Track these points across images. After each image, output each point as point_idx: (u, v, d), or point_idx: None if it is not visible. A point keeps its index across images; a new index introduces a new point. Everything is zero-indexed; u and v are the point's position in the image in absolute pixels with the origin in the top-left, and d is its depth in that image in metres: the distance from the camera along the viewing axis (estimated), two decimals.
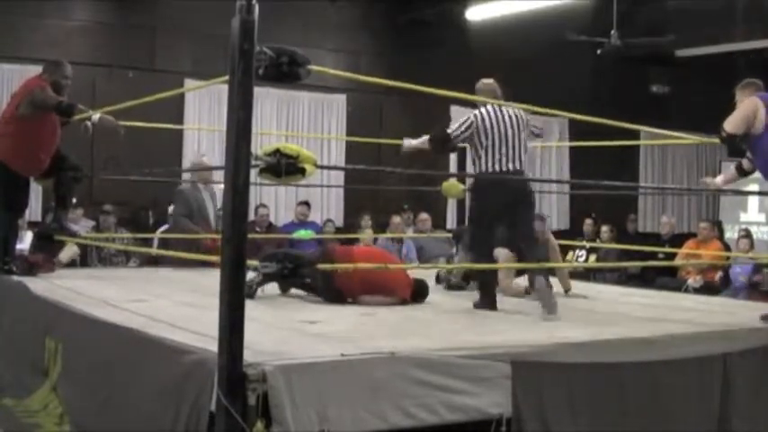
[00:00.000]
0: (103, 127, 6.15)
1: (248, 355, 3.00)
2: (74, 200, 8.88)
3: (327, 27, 11.89)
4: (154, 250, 8.59)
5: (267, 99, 11.25)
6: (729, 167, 5.66)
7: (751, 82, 5.13)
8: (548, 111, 5.13)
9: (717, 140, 5.14)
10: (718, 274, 9.98)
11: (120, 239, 9.13)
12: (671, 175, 14.55)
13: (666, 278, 9.98)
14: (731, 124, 4.94)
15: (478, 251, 5.35)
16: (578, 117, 4.97)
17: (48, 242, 6.56)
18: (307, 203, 10.87)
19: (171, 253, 7.13)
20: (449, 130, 5.30)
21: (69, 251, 7.30)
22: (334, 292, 5.19)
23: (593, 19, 11.34)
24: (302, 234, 9.88)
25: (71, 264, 7.69)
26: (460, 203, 8.92)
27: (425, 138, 5.45)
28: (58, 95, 5.98)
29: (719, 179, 5.68)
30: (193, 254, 6.54)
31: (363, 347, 3.38)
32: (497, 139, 5.13)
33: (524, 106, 4.95)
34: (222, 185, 3.22)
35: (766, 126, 4.89)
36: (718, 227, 11.46)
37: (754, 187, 9.19)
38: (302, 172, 3.66)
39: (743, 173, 5.40)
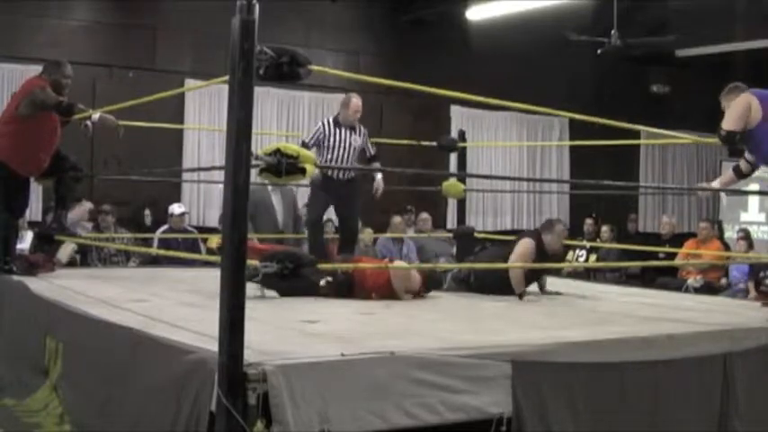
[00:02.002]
0: (104, 126, 6.15)
1: (248, 355, 3.00)
2: (85, 201, 8.91)
3: (328, 27, 11.89)
4: (153, 250, 8.60)
5: (267, 99, 11.25)
6: (728, 169, 5.62)
7: (733, 86, 5.09)
8: (548, 110, 5.13)
9: (716, 140, 5.12)
10: (721, 275, 9.98)
11: (119, 239, 9.13)
12: (671, 175, 14.55)
13: (667, 278, 9.98)
14: (728, 122, 4.92)
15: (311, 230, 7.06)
16: (578, 116, 4.97)
17: (48, 242, 6.56)
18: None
19: (171, 253, 7.13)
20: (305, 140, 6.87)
21: (67, 249, 7.30)
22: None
23: (593, 19, 11.34)
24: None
25: (71, 263, 7.69)
26: (461, 203, 8.92)
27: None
28: (58, 95, 5.98)
29: (716, 183, 5.63)
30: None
31: (363, 347, 3.38)
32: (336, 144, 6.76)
33: (525, 106, 4.95)
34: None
35: (763, 117, 4.86)
36: (718, 227, 11.45)
37: (755, 187, 9.20)
38: (302, 172, 3.66)
39: (741, 175, 5.36)
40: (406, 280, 5.51)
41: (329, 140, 6.78)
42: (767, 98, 4.93)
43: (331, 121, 6.92)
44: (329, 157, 6.74)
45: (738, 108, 4.91)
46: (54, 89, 5.98)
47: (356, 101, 6.95)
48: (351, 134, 6.86)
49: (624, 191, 12.50)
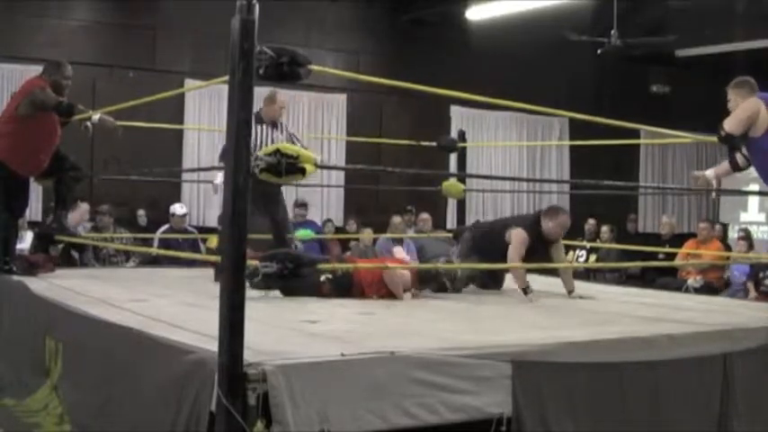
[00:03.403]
0: (103, 127, 6.16)
1: (248, 355, 3.00)
2: (82, 203, 8.90)
3: (327, 27, 11.90)
4: (153, 249, 8.59)
5: None
6: (723, 162, 5.55)
7: (745, 81, 5.02)
8: (548, 110, 5.13)
9: (715, 139, 5.08)
10: (724, 274, 9.98)
11: (118, 239, 9.13)
12: (671, 175, 14.56)
13: (667, 278, 9.98)
14: (731, 124, 4.87)
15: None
16: (578, 116, 4.96)
17: (48, 242, 6.56)
18: (304, 204, 10.86)
19: (170, 253, 7.13)
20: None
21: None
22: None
23: (593, 19, 11.35)
24: (302, 234, 9.87)
25: (71, 263, 7.69)
26: (461, 203, 8.92)
27: None
28: (58, 96, 5.98)
29: (710, 172, 5.46)
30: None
31: (363, 347, 3.38)
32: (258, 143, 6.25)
33: (525, 106, 4.95)
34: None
35: None
36: (723, 228, 11.46)
37: (755, 187, 9.18)
38: (302, 172, 3.66)
39: (737, 168, 5.24)
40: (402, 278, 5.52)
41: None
42: None
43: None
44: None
45: (746, 111, 4.84)
46: (54, 90, 5.98)
47: (282, 96, 6.73)
48: (272, 131, 6.58)
49: (624, 191, 12.51)
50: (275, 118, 6.65)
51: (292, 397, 2.99)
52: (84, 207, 9.12)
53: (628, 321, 4.74)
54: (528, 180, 13.79)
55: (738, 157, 5.18)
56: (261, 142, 6.34)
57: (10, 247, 6.18)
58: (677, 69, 13.48)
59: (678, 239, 10.89)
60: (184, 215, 9.77)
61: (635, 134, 10.70)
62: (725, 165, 5.34)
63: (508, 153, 13.27)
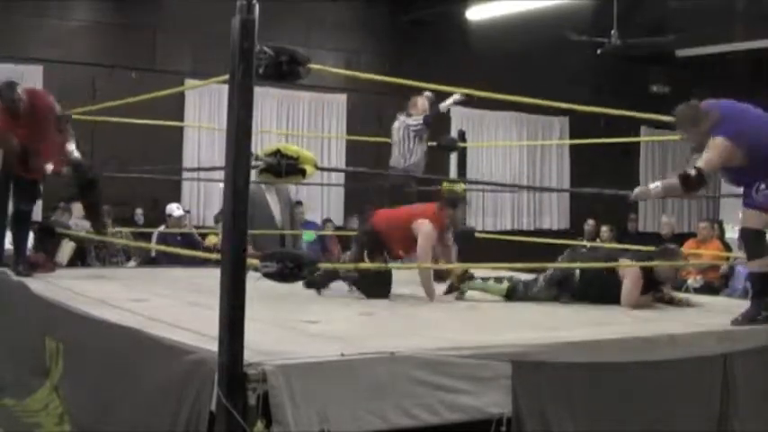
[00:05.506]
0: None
1: (248, 355, 3.01)
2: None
3: (328, 27, 11.90)
4: (155, 246, 8.58)
5: (267, 99, 11.25)
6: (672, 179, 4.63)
7: (691, 110, 4.49)
8: (548, 102, 5.12)
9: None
10: (722, 271, 9.97)
11: (120, 238, 9.12)
12: (671, 175, 14.55)
13: None
14: (707, 164, 4.36)
15: None
16: (579, 108, 4.95)
17: (48, 236, 6.54)
18: (299, 202, 10.85)
19: (170, 249, 7.12)
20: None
21: (67, 249, 7.30)
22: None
23: (593, 19, 11.35)
24: (307, 236, 9.87)
25: (71, 262, 7.68)
26: None
27: None
28: (15, 115, 5.82)
29: (655, 186, 4.78)
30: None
31: (363, 347, 3.38)
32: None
33: (524, 99, 4.95)
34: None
35: (750, 158, 4.36)
36: (719, 226, 11.44)
37: None
38: (302, 173, 3.66)
39: (690, 188, 4.43)
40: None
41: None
42: (741, 135, 4.38)
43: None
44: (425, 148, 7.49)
45: (721, 153, 4.35)
46: (11, 111, 5.76)
47: (422, 99, 7.45)
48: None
49: (624, 191, 12.51)
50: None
51: (292, 397, 2.99)
52: (79, 207, 9.11)
53: (628, 321, 4.74)
54: (528, 188, 13.77)
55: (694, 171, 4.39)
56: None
57: (21, 247, 6.13)
58: (677, 69, 13.48)
59: (678, 239, 10.88)
60: (181, 217, 9.70)
61: (635, 134, 10.71)
62: (674, 183, 4.52)
63: (508, 153, 13.27)
